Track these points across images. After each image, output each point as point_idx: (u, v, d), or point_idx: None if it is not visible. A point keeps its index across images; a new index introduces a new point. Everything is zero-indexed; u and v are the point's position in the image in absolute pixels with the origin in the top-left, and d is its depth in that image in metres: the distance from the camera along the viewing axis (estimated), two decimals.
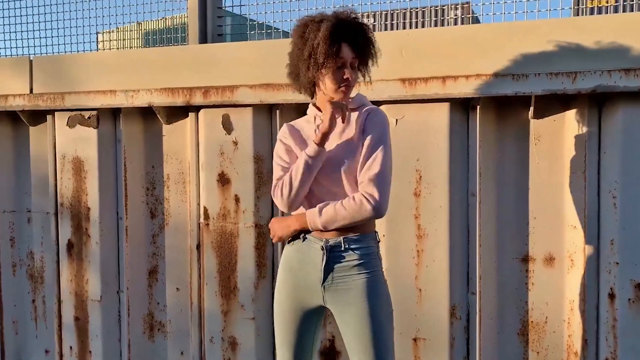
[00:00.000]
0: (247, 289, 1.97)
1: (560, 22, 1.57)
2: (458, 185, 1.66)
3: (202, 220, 2.06)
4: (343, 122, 1.30)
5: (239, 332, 1.99)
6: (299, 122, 1.43)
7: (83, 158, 2.21)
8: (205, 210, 2.03)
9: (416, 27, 2.10)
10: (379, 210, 1.21)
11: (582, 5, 2.30)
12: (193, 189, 2.09)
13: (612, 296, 1.56)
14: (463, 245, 1.69)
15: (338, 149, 1.30)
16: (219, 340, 2.02)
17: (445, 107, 1.59)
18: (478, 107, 1.61)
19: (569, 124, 1.62)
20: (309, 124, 1.38)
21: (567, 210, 1.64)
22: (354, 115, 1.33)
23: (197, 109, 2.06)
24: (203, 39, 2.10)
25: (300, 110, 1.89)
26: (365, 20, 1.53)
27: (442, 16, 2.20)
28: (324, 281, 1.27)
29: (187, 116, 2.12)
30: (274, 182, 1.36)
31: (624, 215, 1.48)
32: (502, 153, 1.72)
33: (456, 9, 2.51)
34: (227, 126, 1.96)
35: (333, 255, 1.26)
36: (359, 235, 1.27)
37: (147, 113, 2.19)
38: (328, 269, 1.27)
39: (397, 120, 1.72)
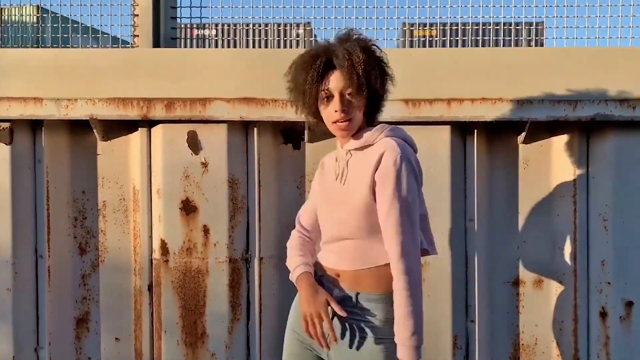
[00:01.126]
0: (219, 334, 1.87)
1: (561, 51, 1.81)
2: (457, 211, 1.80)
3: (156, 256, 1.92)
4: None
5: None
6: (331, 155, 1.38)
7: None
8: (163, 244, 1.89)
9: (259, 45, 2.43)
10: None
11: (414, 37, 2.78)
12: (143, 218, 1.95)
13: (603, 315, 1.80)
14: (462, 272, 1.83)
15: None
16: None
17: (447, 130, 1.72)
18: (476, 130, 1.77)
19: (557, 150, 1.85)
20: (332, 160, 1.35)
21: (557, 234, 1.86)
22: (364, 155, 1.25)
23: (149, 123, 1.94)
24: (156, 43, 1.97)
25: (283, 127, 1.89)
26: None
27: (285, 36, 2.50)
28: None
29: (132, 131, 1.99)
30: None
31: (615, 237, 1.74)
32: (493, 177, 1.90)
33: (298, 27, 2.77)
34: (194, 145, 1.87)
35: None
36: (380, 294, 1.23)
37: (75, 126, 1.99)
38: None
39: None
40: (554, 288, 1.89)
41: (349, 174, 1.26)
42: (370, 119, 1.29)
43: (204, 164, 1.87)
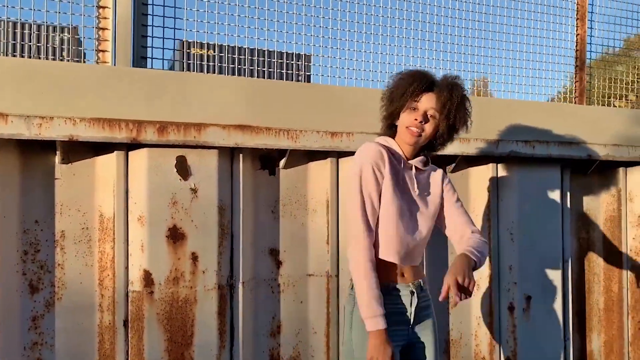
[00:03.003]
0: None
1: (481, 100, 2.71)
2: None
3: (136, 288, 2.15)
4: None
5: None
6: (390, 152, 1.89)
7: None
8: (147, 274, 2.14)
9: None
10: None
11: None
12: (119, 248, 2.15)
13: (511, 308, 2.75)
14: None
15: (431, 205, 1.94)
16: None
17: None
18: None
19: (474, 178, 2.77)
20: (397, 162, 1.89)
21: None
22: (429, 173, 1.97)
23: (127, 147, 2.17)
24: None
25: (260, 154, 2.36)
26: None
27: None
28: None
29: (99, 154, 2.18)
30: (360, 226, 1.80)
31: (519, 247, 2.72)
32: None
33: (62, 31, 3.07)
34: (183, 171, 2.18)
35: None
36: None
37: (27, 146, 2.09)
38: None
39: None
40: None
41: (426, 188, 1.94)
42: (432, 147, 1.96)
43: (194, 190, 2.20)
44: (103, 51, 2.22)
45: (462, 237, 1.96)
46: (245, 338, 2.33)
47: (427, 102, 1.84)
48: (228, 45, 2.73)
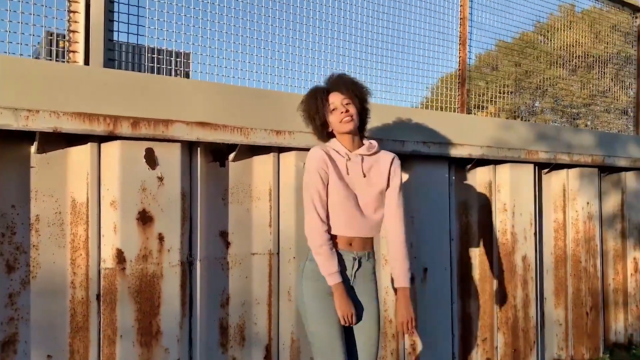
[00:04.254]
0: (172, 330, 2.53)
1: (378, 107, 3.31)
2: None
3: (108, 265, 2.41)
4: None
5: None
6: (331, 153, 2.38)
7: None
8: (119, 252, 2.42)
9: None
10: None
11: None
12: (93, 230, 2.41)
13: (412, 279, 3.38)
14: None
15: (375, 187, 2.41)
16: None
17: None
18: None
19: None
20: (341, 157, 2.38)
21: None
22: (378, 158, 2.45)
23: (100, 139, 2.43)
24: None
25: (213, 148, 2.74)
26: None
27: None
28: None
29: (72, 145, 2.42)
30: (312, 216, 2.32)
31: (419, 227, 3.36)
32: None
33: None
34: (151, 161, 2.49)
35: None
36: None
37: (3, 138, 2.27)
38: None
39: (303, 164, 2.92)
40: (382, 264, 3.37)
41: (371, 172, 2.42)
42: (363, 127, 2.50)
43: (160, 178, 2.52)
44: (73, 52, 2.45)
45: (387, 232, 2.51)
46: (201, 308, 2.70)
47: (336, 98, 2.40)
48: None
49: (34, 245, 2.36)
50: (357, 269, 2.41)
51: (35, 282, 2.36)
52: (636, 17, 5.38)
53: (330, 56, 3.53)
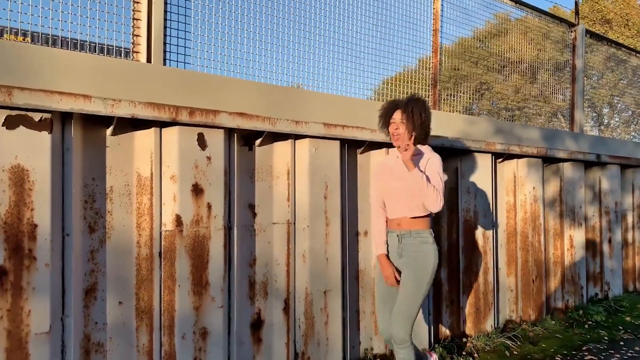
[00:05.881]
0: (217, 282, 3.11)
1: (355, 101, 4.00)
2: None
3: (169, 228, 2.97)
4: None
5: (210, 321, 3.07)
6: (388, 159, 3.18)
7: (28, 167, 2.50)
8: (178, 218, 2.97)
9: None
10: None
11: None
12: (156, 199, 2.95)
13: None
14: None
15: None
16: (191, 334, 3.00)
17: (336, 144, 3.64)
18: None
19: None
20: (396, 159, 3.12)
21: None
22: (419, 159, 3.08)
23: (161, 124, 2.97)
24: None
25: (244, 134, 3.34)
26: None
27: None
28: None
29: (137, 129, 2.96)
30: (372, 199, 3.24)
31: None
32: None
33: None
34: (202, 143, 3.06)
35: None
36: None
37: (89, 121, 2.79)
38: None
39: (315, 149, 3.55)
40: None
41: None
42: (419, 141, 3.15)
43: (209, 158, 3.09)
44: (137, 52, 2.99)
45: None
46: (237, 265, 3.29)
47: (397, 115, 3.11)
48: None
49: (108, 211, 2.89)
50: (400, 244, 3.12)
51: (110, 242, 2.89)
52: (572, 31, 6.35)
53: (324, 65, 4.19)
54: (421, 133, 3.14)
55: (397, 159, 3.19)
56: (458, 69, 5.63)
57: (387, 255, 3.15)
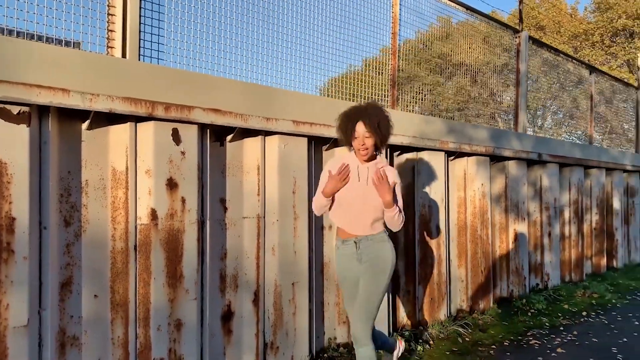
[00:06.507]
0: (191, 275, 3.17)
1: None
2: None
3: (144, 222, 3.00)
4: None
5: (184, 313, 3.13)
6: (345, 158, 3.14)
7: (6, 160, 2.48)
8: (153, 211, 3.01)
9: None
10: None
11: None
12: (131, 193, 2.98)
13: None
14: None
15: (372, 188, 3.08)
16: (166, 326, 3.05)
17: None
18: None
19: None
20: (354, 168, 3.10)
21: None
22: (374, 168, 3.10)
23: (137, 119, 3.00)
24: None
25: (215, 129, 3.41)
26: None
27: None
28: None
29: (113, 124, 2.98)
30: (315, 196, 3.16)
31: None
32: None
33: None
34: (177, 139, 3.11)
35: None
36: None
37: (65, 115, 2.80)
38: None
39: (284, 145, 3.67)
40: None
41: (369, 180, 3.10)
42: (378, 149, 3.18)
43: (183, 153, 3.15)
44: (111, 47, 3.00)
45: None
46: (210, 259, 3.36)
47: (360, 128, 3.04)
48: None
49: (84, 205, 2.90)
50: (359, 251, 3.12)
51: (85, 235, 2.90)
52: (516, 37, 6.75)
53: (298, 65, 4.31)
54: (382, 143, 3.14)
55: (359, 167, 3.14)
56: (402, 70, 5.88)
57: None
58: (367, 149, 3.06)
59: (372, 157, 3.17)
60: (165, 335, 3.07)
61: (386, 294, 4.54)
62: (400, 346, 3.66)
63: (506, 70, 7.00)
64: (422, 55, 5.88)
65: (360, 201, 3.09)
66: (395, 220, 3.10)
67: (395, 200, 3.11)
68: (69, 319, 2.85)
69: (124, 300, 3.01)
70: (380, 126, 3.05)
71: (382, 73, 5.13)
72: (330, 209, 3.17)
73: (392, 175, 3.17)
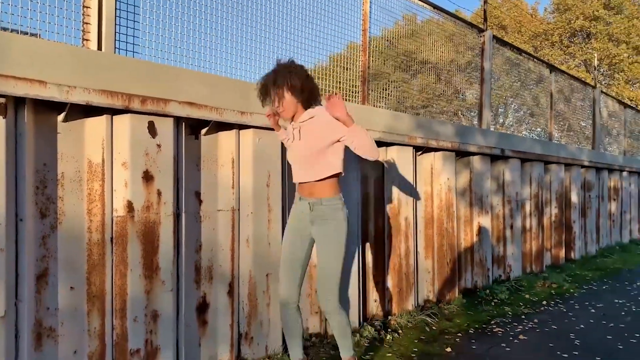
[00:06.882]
0: (167, 267, 3.20)
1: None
2: None
3: (120, 214, 3.02)
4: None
5: (160, 304, 3.16)
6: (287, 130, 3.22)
7: None
8: (130, 204, 3.03)
9: None
10: None
11: None
12: (107, 185, 3.00)
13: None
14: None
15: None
16: (142, 317, 3.08)
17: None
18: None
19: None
20: (291, 126, 3.17)
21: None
22: (312, 122, 3.13)
23: (113, 112, 3.02)
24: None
25: (191, 123, 3.45)
26: None
27: None
28: None
29: (89, 116, 2.99)
30: None
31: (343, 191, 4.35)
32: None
33: None
34: (153, 131, 3.13)
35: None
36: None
37: (40, 107, 2.79)
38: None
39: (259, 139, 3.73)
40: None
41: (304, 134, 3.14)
42: (308, 104, 3.17)
43: (159, 145, 3.17)
44: (87, 40, 3.00)
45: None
46: (185, 251, 3.40)
47: (273, 94, 3.08)
48: None
49: (60, 197, 2.90)
50: (311, 211, 3.17)
51: (61, 227, 2.90)
52: (481, 36, 6.96)
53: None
54: (306, 97, 3.11)
55: (294, 127, 3.18)
56: (369, 67, 6.00)
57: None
58: (284, 109, 3.10)
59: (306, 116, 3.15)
60: (141, 326, 3.10)
61: (358, 284, 4.66)
62: None
63: (469, 69, 7.22)
64: (389, 52, 6.01)
65: (300, 155, 3.14)
66: (363, 137, 2.99)
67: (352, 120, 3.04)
68: (45, 311, 2.85)
69: (101, 291, 3.03)
70: (285, 80, 3.04)
71: (349, 69, 5.23)
72: None
73: (325, 113, 3.13)
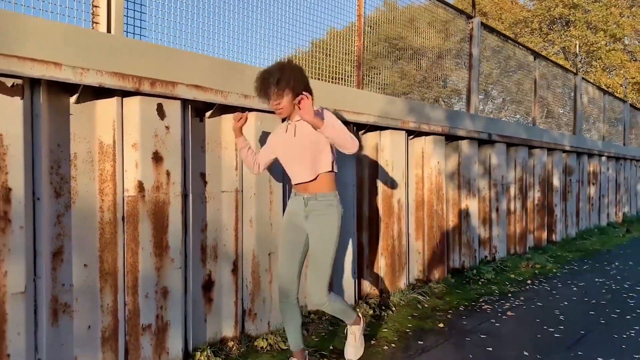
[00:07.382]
0: (176, 245, 3.30)
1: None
2: None
3: (131, 193, 3.10)
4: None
5: (170, 281, 3.26)
6: (280, 128, 3.27)
7: (2, 131, 2.53)
8: (140, 184, 3.12)
9: None
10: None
11: None
12: (118, 166, 3.07)
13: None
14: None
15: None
16: (153, 293, 3.18)
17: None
18: None
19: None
20: (287, 125, 3.22)
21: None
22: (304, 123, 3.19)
23: (123, 94, 3.08)
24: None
25: (196, 106, 3.53)
26: None
27: None
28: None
29: (99, 98, 3.05)
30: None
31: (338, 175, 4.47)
32: None
33: None
34: (161, 113, 3.21)
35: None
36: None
37: (53, 88, 2.85)
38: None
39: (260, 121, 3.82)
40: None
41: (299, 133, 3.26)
42: None
43: (167, 127, 3.25)
44: (96, 23, 3.06)
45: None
46: (192, 230, 3.50)
47: (271, 94, 3.03)
48: None
49: (73, 177, 2.98)
50: (306, 207, 3.18)
51: (74, 206, 2.98)
52: (469, 23, 7.10)
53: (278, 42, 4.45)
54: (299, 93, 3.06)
55: (289, 124, 3.22)
56: (364, 51, 6.11)
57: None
58: (282, 109, 3.10)
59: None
60: (152, 302, 3.21)
61: (354, 263, 4.81)
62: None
63: (451, 55, 7.36)
64: (382, 37, 6.13)
65: (295, 153, 3.18)
66: (338, 135, 2.99)
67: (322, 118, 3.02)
68: (61, 287, 2.94)
69: (113, 269, 3.12)
70: (292, 81, 3.04)
71: (347, 53, 5.34)
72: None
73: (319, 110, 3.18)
